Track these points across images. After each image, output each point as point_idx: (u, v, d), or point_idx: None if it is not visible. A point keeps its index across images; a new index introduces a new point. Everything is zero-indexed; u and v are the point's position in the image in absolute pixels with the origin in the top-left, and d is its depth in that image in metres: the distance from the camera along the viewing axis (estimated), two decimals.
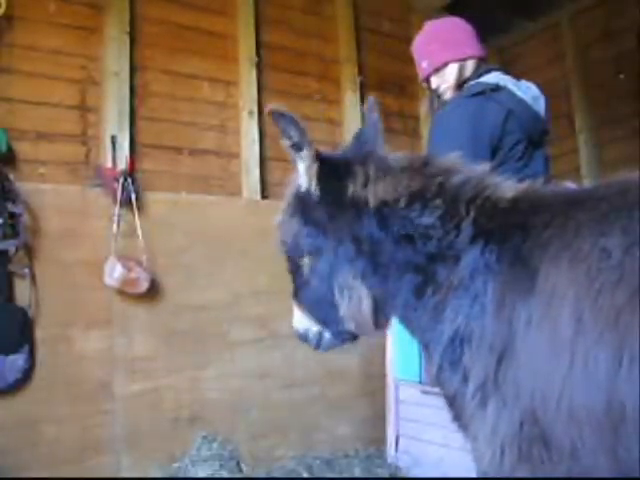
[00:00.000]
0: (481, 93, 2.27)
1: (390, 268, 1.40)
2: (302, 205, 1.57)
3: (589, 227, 1.13)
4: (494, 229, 1.27)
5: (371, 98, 1.74)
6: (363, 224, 1.41)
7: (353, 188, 1.43)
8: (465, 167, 1.39)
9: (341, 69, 4.37)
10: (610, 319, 1.02)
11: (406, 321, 1.46)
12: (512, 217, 1.27)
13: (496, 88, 2.27)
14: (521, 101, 2.31)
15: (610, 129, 4.42)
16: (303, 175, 1.52)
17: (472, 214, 1.29)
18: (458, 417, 1.32)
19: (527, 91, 2.36)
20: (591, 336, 1.04)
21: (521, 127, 2.30)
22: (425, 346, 1.43)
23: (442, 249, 1.31)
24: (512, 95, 2.30)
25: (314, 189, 1.49)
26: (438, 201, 1.32)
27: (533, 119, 2.34)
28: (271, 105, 1.45)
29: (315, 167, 1.48)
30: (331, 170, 1.48)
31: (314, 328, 1.63)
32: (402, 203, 1.35)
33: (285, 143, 1.48)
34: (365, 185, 1.41)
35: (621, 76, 4.34)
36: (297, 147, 1.48)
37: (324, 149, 1.55)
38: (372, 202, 1.39)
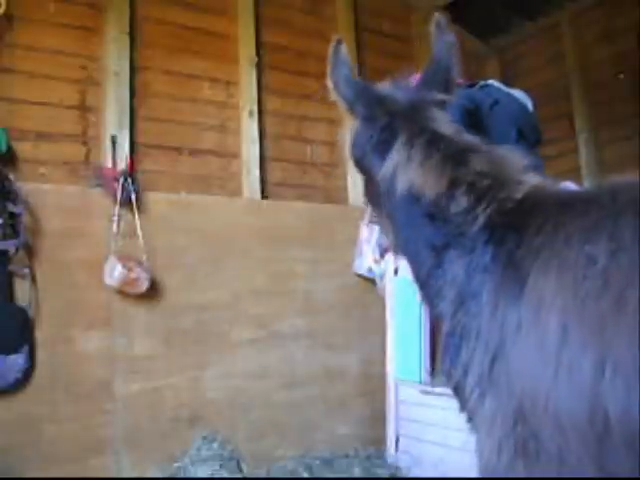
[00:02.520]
0: (472, 86, 2.42)
1: (411, 237, 1.47)
2: (362, 147, 1.60)
3: (577, 234, 1.13)
4: (497, 229, 1.29)
5: (440, 18, 1.62)
6: (391, 191, 1.47)
7: (388, 165, 1.45)
8: (498, 167, 1.37)
9: None
10: (594, 327, 1.02)
11: (419, 288, 1.53)
12: (512, 218, 1.29)
13: (484, 85, 2.42)
14: (509, 94, 2.42)
15: (610, 129, 4.41)
16: (349, 135, 1.55)
17: (488, 211, 1.31)
18: (463, 407, 1.36)
19: (513, 91, 2.48)
20: (576, 345, 1.04)
21: (509, 117, 2.41)
22: (437, 318, 1.48)
23: (457, 235, 1.35)
24: (498, 89, 2.44)
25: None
26: (464, 198, 1.34)
27: (522, 111, 2.43)
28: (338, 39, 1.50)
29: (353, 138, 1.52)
30: (388, 139, 1.48)
31: None
32: (432, 195, 1.38)
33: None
34: (398, 168, 1.43)
35: (621, 76, 4.34)
36: (350, 109, 1.52)
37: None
38: (403, 188, 1.41)
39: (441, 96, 1.53)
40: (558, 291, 1.10)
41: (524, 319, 1.15)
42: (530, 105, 2.53)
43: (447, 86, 1.55)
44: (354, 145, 1.61)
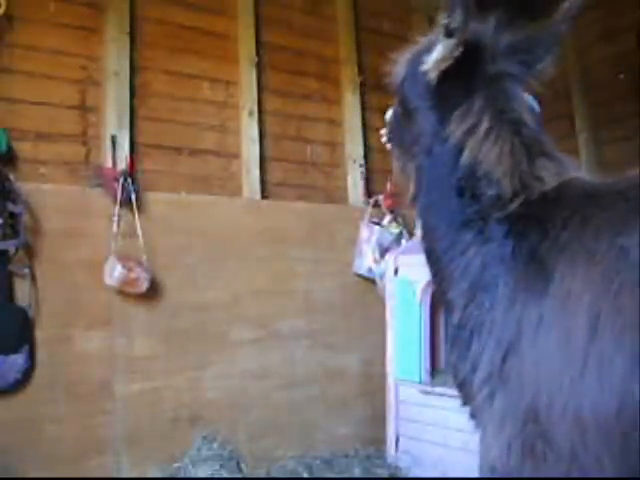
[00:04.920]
0: None
1: (434, 204, 1.42)
2: (413, 72, 1.46)
3: (606, 227, 1.11)
4: (518, 222, 1.26)
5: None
6: (436, 146, 1.39)
7: (455, 125, 1.34)
8: (556, 169, 1.30)
9: (341, 69, 4.37)
10: (629, 320, 0.99)
11: (430, 264, 1.48)
12: (536, 211, 1.24)
13: None
14: None
15: (610, 129, 4.41)
16: (432, 60, 1.38)
17: (517, 202, 1.27)
18: (467, 403, 1.33)
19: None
20: (608, 339, 1.02)
21: None
22: (445, 304, 1.44)
23: (478, 219, 1.31)
24: None
25: (431, 79, 1.39)
26: (510, 190, 1.28)
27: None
28: None
29: (443, 66, 1.35)
30: (454, 87, 1.36)
31: None
32: (481, 172, 1.31)
33: (440, 18, 1.32)
34: (468, 134, 1.33)
35: (621, 76, 4.34)
36: (447, 31, 1.31)
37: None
38: (465, 160, 1.32)
39: (527, 76, 1.43)
40: (586, 285, 1.07)
41: (546, 315, 1.12)
42: (537, 107, 2.50)
43: (530, 72, 1.44)
44: (410, 74, 1.46)
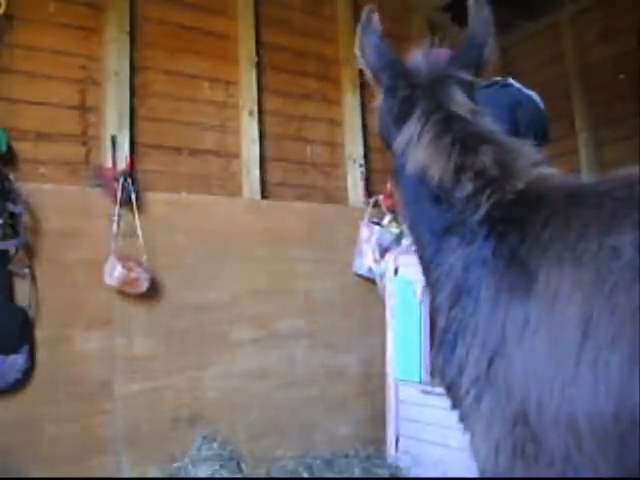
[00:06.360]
0: (491, 85, 2.36)
1: (417, 216, 1.45)
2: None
3: (594, 225, 1.09)
4: (498, 224, 1.24)
5: None
6: (402, 162, 1.44)
7: (400, 139, 1.42)
8: (508, 158, 1.31)
9: (341, 69, 4.37)
10: (625, 321, 0.97)
11: (422, 272, 1.50)
12: (515, 212, 1.23)
13: (505, 84, 2.38)
14: (528, 96, 2.39)
15: (610, 129, 4.41)
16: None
17: (491, 201, 1.26)
18: (455, 406, 1.33)
19: (532, 92, 2.44)
20: (602, 340, 1.00)
21: (529, 121, 2.37)
22: (434, 308, 1.45)
23: (458, 223, 1.31)
24: (519, 90, 2.39)
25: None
26: (470, 185, 1.29)
27: (539, 115, 2.40)
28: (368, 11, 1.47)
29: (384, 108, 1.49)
30: (406, 108, 1.45)
31: None
32: (438, 177, 1.34)
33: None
34: (408, 144, 1.39)
35: (621, 76, 4.34)
36: (375, 78, 1.51)
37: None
38: (412, 166, 1.39)
39: (467, 75, 1.47)
40: (577, 286, 1.05)
41: (532, 316, 1.10)
42: (542, 106, 2.51)
43: (479, 65, 1.50)
44: (379, 116, 1.57)
